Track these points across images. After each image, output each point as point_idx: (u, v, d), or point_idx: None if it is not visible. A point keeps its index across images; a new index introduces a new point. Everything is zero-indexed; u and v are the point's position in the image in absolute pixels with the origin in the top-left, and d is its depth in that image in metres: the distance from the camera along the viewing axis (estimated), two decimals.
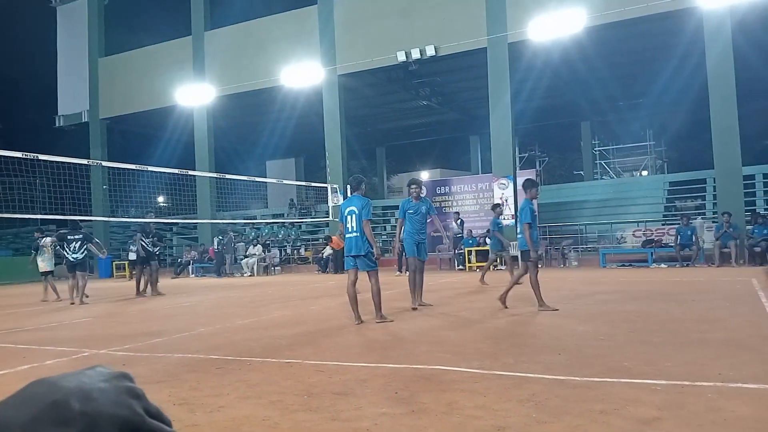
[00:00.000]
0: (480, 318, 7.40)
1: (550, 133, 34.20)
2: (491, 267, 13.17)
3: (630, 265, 16.78)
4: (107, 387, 0.51)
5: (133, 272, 14.25)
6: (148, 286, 13.26)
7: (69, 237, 11.65)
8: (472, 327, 6.71)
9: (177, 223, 27.36)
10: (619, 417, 3.20)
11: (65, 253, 11.77)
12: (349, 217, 7.24)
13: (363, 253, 7.16)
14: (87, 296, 11.80)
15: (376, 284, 7.28)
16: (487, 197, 19.60)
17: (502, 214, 11.46)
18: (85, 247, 11.65)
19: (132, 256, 21.47)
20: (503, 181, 18.95)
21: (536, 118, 27.95)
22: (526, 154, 33.63)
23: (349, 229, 7.23)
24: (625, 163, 32.13)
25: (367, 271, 7.27)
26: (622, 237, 19.42)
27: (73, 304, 11.48)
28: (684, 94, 23.21)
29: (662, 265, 16.05)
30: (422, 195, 9.03)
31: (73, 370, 0.53)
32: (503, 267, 16.07)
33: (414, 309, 8.36)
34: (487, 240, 15.41)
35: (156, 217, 18.89)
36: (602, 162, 31.44)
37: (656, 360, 4.60)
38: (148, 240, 12.84)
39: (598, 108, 28.05)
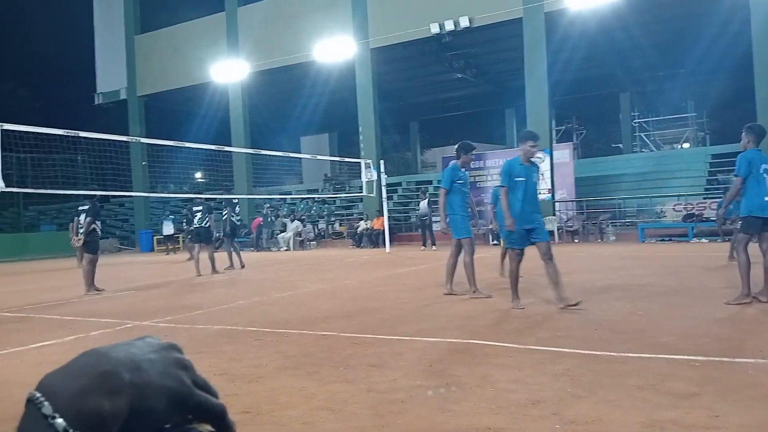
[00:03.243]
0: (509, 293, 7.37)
1: (588, 105, 33.38)
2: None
3: (670, 240, 16.43)
4: (156, 358, 0.53)
5: (191, 248, 13.36)
6: (233, 259, 12.89)
7: (79, 208, 9.95)
8: (504, 303, 6.69)
9: (215, 199, 27.81)
10: (656, 392, 3.18)
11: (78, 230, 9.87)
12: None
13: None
14: (98, 290, 9.54)
15: (467, 256, 7.03)
16: None
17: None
18: (89, 221, 9.59)
19: (167, 230, 21.94)
20: (539, 154, 18.64)
21: (573, 89, 27.30)
22: (563, 127, 32.94)
23: None
24: (666, 135, 31.21)
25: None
26: (661, 211, 18.97)
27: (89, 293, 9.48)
28: (726, 62, 22.35)
29: (703, 240, 15.67)
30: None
31: (122, 341, 0.54)
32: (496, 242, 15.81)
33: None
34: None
35: (195, 193, 19.18)
36: (642, 134, 30.61)
37: (694, 335, 4.53)
38: (235, 214, 12.76)
39: (638, 78, 27.22)
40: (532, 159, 6.28)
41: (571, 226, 18.34)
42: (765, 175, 5.81)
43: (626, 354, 4.02)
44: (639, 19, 19.27)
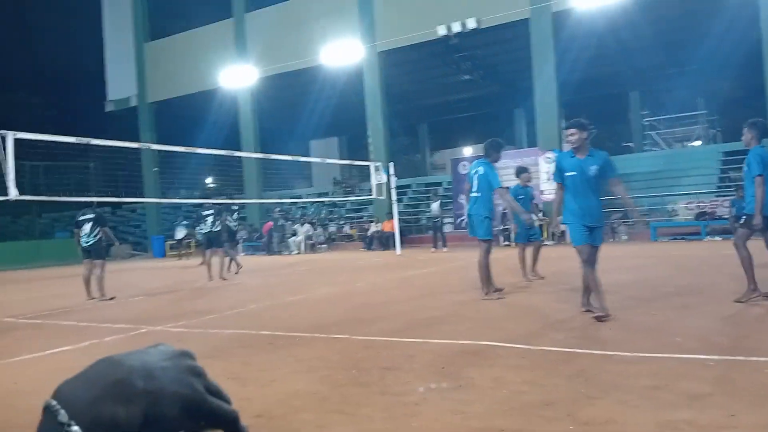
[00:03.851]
0: (526, 294, 7.36)
1: (597, 105, 33.16)
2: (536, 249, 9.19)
3: (682, 239, 16.31)
4: (169, 365, 0.54)
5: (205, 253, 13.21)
6: (232, 265, 12.91)
7: (80, 218, 9.79)
8: (517, 304, 6.67)
9: (220, 204, 27.96)
10: (670, 392, 3.16)
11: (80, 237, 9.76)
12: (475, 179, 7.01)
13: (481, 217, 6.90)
14: (107, 297, 9.49)
15: (484, 257, 6.90)
16: (533, 171, 19.21)
17: (530, 181, 9.26)
18: (98, 229, 9.64)
19: (179, 235, 22.06)
20: (549, 154, 18.59)
21: (582, 89, 27.17)
22: None
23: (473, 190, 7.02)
24: (676, 133, 30.95)
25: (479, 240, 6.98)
26: (673, 210, 18.84)
27: (94, 299, 9.46)
28: (735, 58, 22.17)
29: (716, 238, 15.55)
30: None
31: (137, 348, 0.56)
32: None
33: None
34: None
35: (205, 197, 19.25)
36: (652, 133, 30.40)
37: (709, 335, 4.50)
38: (232, 219, 12.77)
39: (647, 77, 27.05)
40: (578, 149, 5.52)
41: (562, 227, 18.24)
42: None
43: (640, 354, 4.00)
44: (647, 17, 19.17)
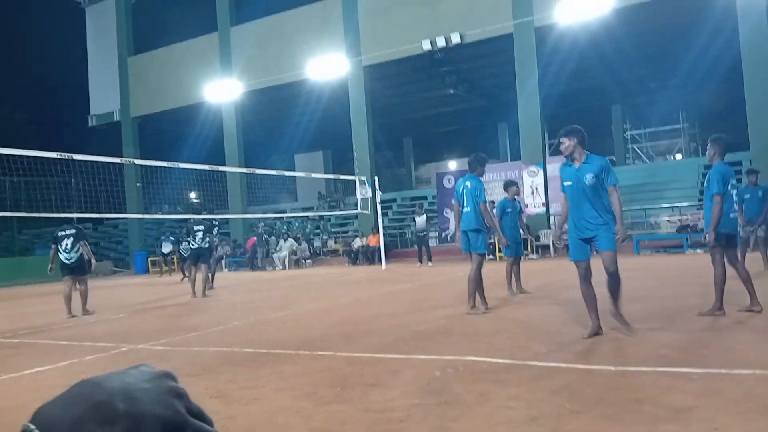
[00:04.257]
0: (509, 309, 7.36)
1: (580, 118, 32.94)
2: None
3: (665, 251, 16.47)
4: (150, 387, 0.53)
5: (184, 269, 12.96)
6: (208, 282, 12.37)
7: (59, 234, 9.55)
8: (502, 318, 6.68)
9: (202, 219, 27.81)
10: (654, 405, 3.16)
11: (59, 254, 9.56)
12: (464, 195, 7.05)
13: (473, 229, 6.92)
14: (90, 312, 9.60)
15: (475, 271, 6.87)
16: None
17: (518, 194, 9.28)
18: (78, 245, 9.49)
19: (166, 249, 21.88)
20: (533, 168, 18.75)
21: (565, 102, 27.52)
22: (556, 140, 33.11)
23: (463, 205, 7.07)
24: (658, 146, 31.43)
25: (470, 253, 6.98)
26: (656, 223, 19.05)
27: (75, 316, 9.41)
28: (716, 72, 22.58)
29: (698, 251, 15.70)
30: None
31: (118, 369, 0.55)
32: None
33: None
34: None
35: (190, 213, 19.11)
36: (634, 146, 30.81)
37: (693, 347, 4.52)
38: (212, 235, 12.55)
39: (629, 90, 27.45)
40: (573, 157, 5.36)
41: (566, 240, 18.38)
42: (732, 190, 5.80)
43: (624, 368, 4.01)
44: (628, 31, 19.48)
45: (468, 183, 7.04)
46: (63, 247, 9.46)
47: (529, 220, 17.99)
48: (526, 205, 18.61)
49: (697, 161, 24.67)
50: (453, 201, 7.39)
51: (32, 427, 0.48)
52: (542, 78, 19.25)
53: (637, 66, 23.56)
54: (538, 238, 17.90)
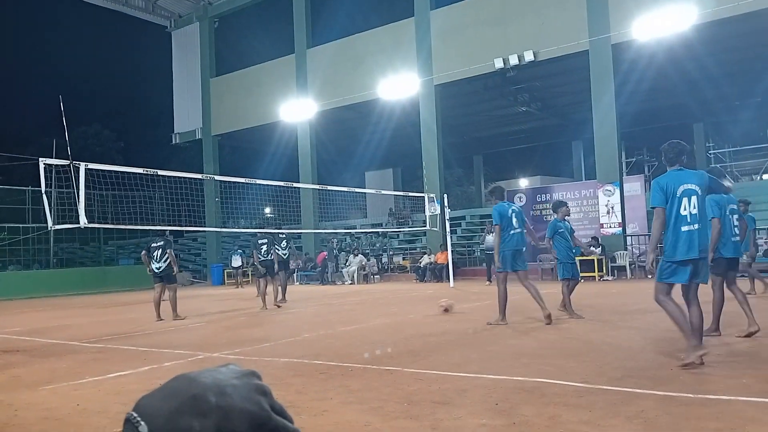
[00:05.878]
0: (582, 331, 7.15)
1: (659, 136, 32.14)
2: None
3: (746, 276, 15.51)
4: (239, 384, 0.57)
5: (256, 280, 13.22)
6: (279, 294, 12.67)
7: (152, 245, 10.43)
8: (574, 340, 6.49)
9: (272, 233, 28.53)
10: None
11: (152, 263, 10.37)
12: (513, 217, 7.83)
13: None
14: (180, 317, 10.37)
15: (499, 285, 7.99)
16: (591, 204, 18.83)
17: (568, 215, 9.00)
18: (167, 255, 10.28)
19: (236, 263, 22.58)
20: (609, 187, 18.18)
21: (643, 120, 26.60)
22: (634, 159, 32.04)
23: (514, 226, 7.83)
24: (744, 166, 29.82)
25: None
26: None
27: (162, 320, 10.21)
28: None
29: None
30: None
31: (208, 367, 0.60)
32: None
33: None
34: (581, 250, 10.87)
35: (263, 227, 19.66)
36: (718, 165, 29.34)
37: None
38: (281, 247, 12.77)
39: (711, 109, 26.25)
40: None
41: (644, 261, 17.67)
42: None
43: (705, 396, 3.82)
44: (708, 49, 18.70)
45: (515, 207, 7.99)
46: (154, 257, 10.29)
47: (604, 240, 17.45)
48: (602, 225, 18.10)
49: None
50: (494, 225, 7.92)
51: (135, 415, 0.53)
52: (618, 95, 18.72)
53: (719, 84, 22.52)
54: (614, 259, 17.30)
